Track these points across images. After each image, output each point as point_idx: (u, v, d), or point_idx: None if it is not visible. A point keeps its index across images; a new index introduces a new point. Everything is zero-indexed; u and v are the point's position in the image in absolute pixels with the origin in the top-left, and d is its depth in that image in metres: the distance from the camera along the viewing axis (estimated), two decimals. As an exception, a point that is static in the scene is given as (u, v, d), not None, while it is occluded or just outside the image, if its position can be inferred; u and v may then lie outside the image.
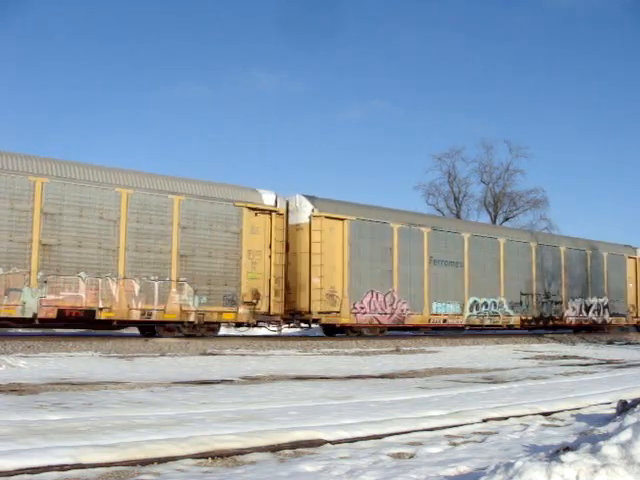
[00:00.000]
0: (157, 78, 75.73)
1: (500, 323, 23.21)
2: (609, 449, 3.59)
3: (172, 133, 74.96)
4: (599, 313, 27.31)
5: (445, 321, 21.31)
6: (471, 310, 22.09)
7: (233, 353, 13.94)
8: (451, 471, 4.07)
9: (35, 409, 5.94)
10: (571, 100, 71.90)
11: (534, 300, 24.45)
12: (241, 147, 72.68)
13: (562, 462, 3.37)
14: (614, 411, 6.14)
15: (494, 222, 43.96)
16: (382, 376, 10.23)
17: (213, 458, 4.45)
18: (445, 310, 21.28)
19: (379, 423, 5.72)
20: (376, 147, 74.16)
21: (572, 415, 6.73)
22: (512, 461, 3.50)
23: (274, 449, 4.75)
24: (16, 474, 3.80)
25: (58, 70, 68.94)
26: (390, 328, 20.31)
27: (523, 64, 74.56)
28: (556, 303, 25.44)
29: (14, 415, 5.53)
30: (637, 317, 29.24)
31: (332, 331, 19.80)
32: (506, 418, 6.37)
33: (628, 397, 6.36)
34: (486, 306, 22.61)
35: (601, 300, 27.42)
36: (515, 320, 23.65)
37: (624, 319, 28.54)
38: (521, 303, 23.94)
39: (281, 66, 76.15)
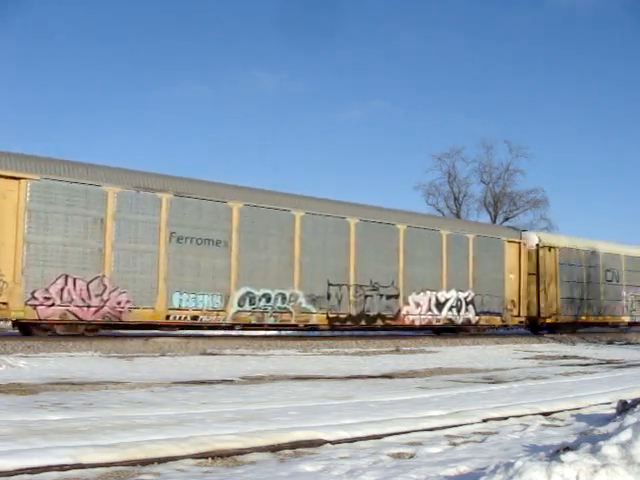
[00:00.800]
0: (157, 78, 75.84)
1: (293, 322, 17.79)
2: (609, 449, 3.59)
3: (172, 133, 75.04)
4: (460, 311, 21.50)
5: (197, 318, 16.17)
6: (241, 304, 16.81)
7: (233, 353, 13.96)
8: (451, 471, 4.07)
9: (35, 409, 5.94)
10: (571, 100, 71.99)
11: (351, 293, 18.77)
12: (241, 147, 72.71)
13: (562, 462, 3.38)
14: (614, 411, 6.14)
15: (494, 222, 43.64)
16: (382, 376, 10.23)
17: (213, 458, 4.46)
18: (196, 304, 16.18)
19: (379, 423, 5.73)
20: (376, 147, 74.20)
21: (572, 415, 6.73)
22: (512, 461, 3.51)
23: (274, 449, 4.75)
24: (16, 474, 3.80)
25: (58, 70, 69.03)
26: (103, 326, 15.37)
27: (523, 64, 74.65)
28: (389, 297, 19.64)
29: (14, 415, 5.53)
30: (519, 315, 23.47)
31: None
32: (506, 418, 6.38)
33: (628, 397, 6.37)
34: (268, 300, 17.26)
35: (463, 294, 21.64)
36: (319, 318, 18.12)
37: (499, 318, 22.77)
38: (329, 297, 18.30)
39: (281, 66, 76.23)
